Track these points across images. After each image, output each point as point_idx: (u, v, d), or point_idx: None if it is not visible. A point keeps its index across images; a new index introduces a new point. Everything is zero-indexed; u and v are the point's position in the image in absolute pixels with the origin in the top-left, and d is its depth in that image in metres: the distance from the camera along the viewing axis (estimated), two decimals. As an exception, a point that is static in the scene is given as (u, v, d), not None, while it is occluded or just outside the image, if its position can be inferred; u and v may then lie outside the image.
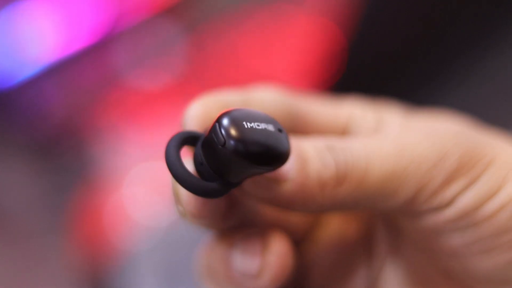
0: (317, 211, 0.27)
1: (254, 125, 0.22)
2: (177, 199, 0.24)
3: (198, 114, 0.25)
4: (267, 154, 0.22)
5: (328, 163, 0.24)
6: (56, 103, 0.90)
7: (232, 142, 0.21)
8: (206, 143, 0.23)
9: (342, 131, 0.29)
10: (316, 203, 0.24)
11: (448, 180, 0.24)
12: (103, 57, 0.90)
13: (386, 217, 0.29)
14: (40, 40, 0.87)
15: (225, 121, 0.22)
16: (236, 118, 0.22)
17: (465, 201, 0.24)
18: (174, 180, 0.23)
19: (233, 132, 0.21)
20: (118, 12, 0.89)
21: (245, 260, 0.25)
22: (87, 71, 0.89)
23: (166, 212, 0.71)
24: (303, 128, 0.27)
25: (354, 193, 0.24)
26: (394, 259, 0.29)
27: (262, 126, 0.22)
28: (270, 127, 0.22)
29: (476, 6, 0.67)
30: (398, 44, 0.70)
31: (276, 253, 0.25)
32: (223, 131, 0.21)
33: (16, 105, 0.89)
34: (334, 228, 0.30)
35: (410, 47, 0.70)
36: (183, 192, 0.24)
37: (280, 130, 0.23)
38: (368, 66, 0.70)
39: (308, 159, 0.24)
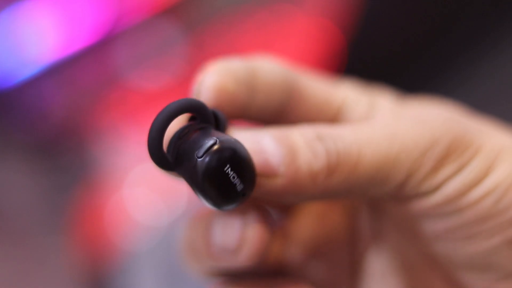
0: (308, 201, 0.26)
1: (231, 174, 0.22)
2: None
3: (213, 85, 0.25)
4: (215, 199, 0.22)
5: (319, 153, 0.24)
6: (56, 103, 0.90)
7: (203, 168, 0.22)
8: (194, 137, 0.23)
9: (335, 112, 0.29)
10: (307, 194, 0.24)
11: (437, 166, 0.25)
12: (103, 57, 0.90)
13: (371, 201, 0.29)
14: (40, 40, 0.87)
15: (216, 149, 0.22)
16: (226, 155, 0.22)
17: (451, 187, 0.25)
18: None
19: (212, 162, 0.22)
20: (118, 12, 0.89)
21: (224, 235, 0.26)
22: (87, 71, 0.89)
23: (166, 212, 0.71)
24: (297, 102, 0.27)
25: (346, 182, 0.24)
26: (377, 244, 0.29)
27: (236, 181, 0.23)
28: (240, 187, 0.23)
29: (476, 6, 0.67)
30: (398, 44, 0.70)
31: (255, 229, 0.25)
32: (208, 152, 0.22)
33: (16, 105, 0.89)
34: (316, 210, 0.30)
35: (410, 47, 0.70)
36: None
37: (244, 194, 0.23)
38: (368, 66, 0.70)
39: (298, 150, 0.24)
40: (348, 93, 0.29)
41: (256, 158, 0.23)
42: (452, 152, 0.25)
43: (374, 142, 0.24)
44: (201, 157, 0.22)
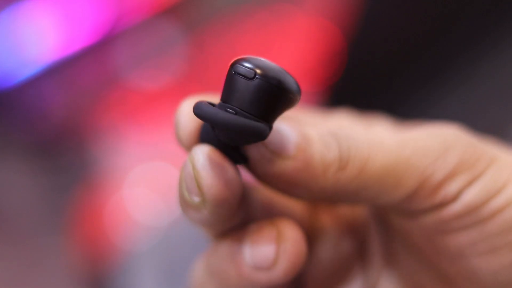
0: (319, 197, 0.25)
1: (266, 60, 0.23)
2: (197, 185, 0.23)
3: (189, 109, 0.24)
4: (290, 80, 0.23)
5: (332, 147, 0.24)
6: (56, 103, 0.90)
7: (259, 71, 0.22)
8: (232, 90, 0.23)
9: None
10: (318, 185, 0.24)
11: (451, 174, 0.24)
12: (103, 57, 0.90)
13: (383, 222, 0.29)
14: (40, 40, 0.87)
15: (245, 60, 0.22)
16: (251, 56, 0.23)
17: (471, 195, 0.24)
18: (192, 167, 0.23)
19: (257, 64, 0.22)
20: (118, 12, 0.89)
21: (258, 251, 0.24)
22: (87, 71, 0.89)
23: (166, 212, 0.71)
24: None
25: (355, 181, 0.24)
26: (390, 270, 0.29)
27: (273, 63, 0.23)
28: (293, 81, 0.23)
29: (476, 6, 0.67)
30: (397, 45, 0.70)
31: (291, 240, 0.24)
32: (247, 66, 0.22)
33: (16, 105, 0.89)
34: (328, 237, 0.29)
35: (410, 47, 0.70)
36: (205, 175, 0.23)
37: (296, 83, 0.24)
38: (368, 66, 0.70)
39: (312, 140, 0.24)
40: (343, 123, 0.29)
41: (272, 135, 0.23)
42: (465, 161, 0.24)
43: (385, 146, 0.24)
44: (253, 77, 0.22)
